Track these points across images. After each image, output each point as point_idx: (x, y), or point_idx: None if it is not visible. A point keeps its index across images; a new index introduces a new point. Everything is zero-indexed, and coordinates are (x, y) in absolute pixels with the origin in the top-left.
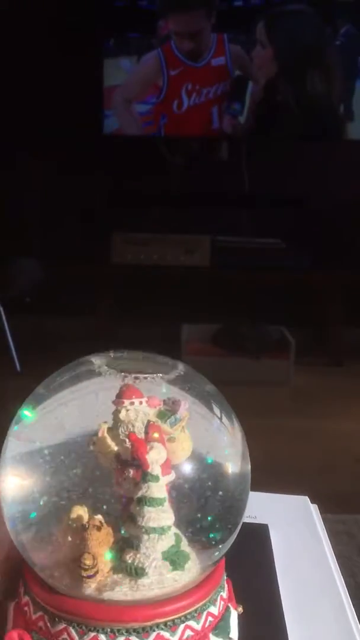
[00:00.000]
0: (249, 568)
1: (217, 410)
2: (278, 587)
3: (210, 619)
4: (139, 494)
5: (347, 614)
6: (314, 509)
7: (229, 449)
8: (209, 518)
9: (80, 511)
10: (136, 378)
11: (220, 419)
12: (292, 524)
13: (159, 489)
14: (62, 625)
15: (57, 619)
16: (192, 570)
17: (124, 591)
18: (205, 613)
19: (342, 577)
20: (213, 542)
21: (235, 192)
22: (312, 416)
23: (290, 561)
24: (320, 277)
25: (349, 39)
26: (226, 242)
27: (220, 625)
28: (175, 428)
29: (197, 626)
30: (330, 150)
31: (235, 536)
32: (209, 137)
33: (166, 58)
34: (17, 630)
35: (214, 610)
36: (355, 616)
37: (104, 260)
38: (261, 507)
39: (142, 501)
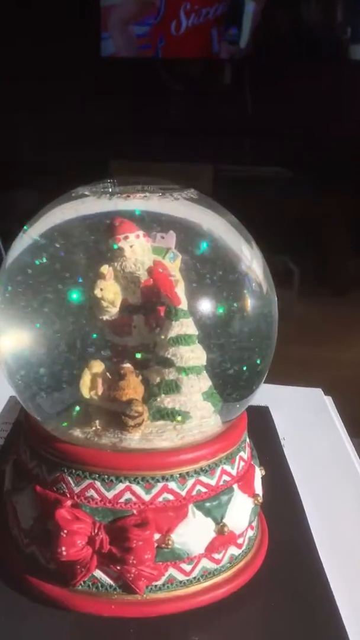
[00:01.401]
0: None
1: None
2: (288, 465)
3: (242, 463)
4: (172, 333)
5: None
6: (328, 400)
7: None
8: (236, 356)
9: (99, 365)
10: (145, 196)
11: (247, 243)
12: (306, 413)
13: (191, 326)
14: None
15: (114, 477)
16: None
17: (169, 437)
18: (237, 457)
19: None
20: (242, 383)
21: (237, 119)
22: (316, 345)
23: (305, 447)
24: (325, 206)
25: None
26: (229, 170)
27: (248, 476)
28: (176, 264)
29: (232, 470)
30: (335, 74)
31: (263, 380)
32: (209, 60)
33: None
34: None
35: (245, 455)
36: None
37: None
38: (272, 398)
39: (178, 341)
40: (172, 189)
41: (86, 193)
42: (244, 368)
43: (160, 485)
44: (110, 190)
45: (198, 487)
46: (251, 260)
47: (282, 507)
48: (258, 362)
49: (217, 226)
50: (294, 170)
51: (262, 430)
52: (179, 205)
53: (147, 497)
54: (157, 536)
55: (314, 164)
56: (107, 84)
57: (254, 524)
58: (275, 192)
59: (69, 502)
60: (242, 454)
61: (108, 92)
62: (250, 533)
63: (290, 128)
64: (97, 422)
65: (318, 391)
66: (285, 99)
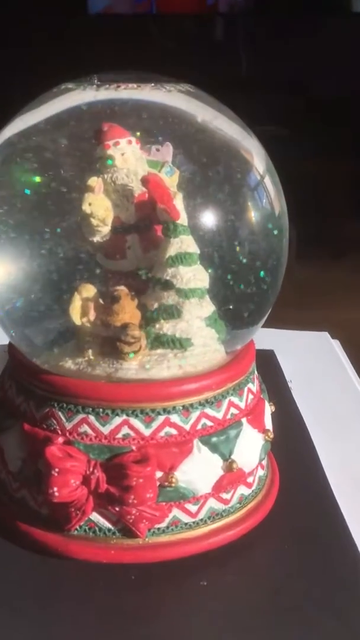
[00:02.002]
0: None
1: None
2: (297, 406)
3: (250, 396)
4: (172, 252)
5: None
6: (335, 343)
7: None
8: (243, 274)
9: (90, 288)
10: (138, 86)
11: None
12: (313, 356)
13: (192, 243)
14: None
15: (109, 410)
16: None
17: (169, 366)
18: (246, 389)
19: None
20: (249, 306)
21: (233, 75)
22: (316, 308)
23: (311, 388)
24: (322, 165)
25: None
26: None
27: (258, 410)
28: (173, 179)
29: (241, 403)
30: (334, 29)
31: (272, 304)
32: (204, 15)
33: None
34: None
35: (253, 387)
36: None
37: None
38: (277, 342)
39: (178, 260)
40: (166, 80)
41: (70, 86)
42: (252, 288)
43: (161, 418)
44: (96, 82)
45: (203, 420)
46: (258, 164)
47: (292, 447)
48: (266, 279)
49: (216, 121)
50: (291, 128)
51: (267, 373)
52: (173, 98)
53: (147, 432)
54: (159, 474)
55: (311, 122)
56: (97, 40)
57: (264, 462)
58: (271, 151)
59: (60, 439)
60: (250, 385)
61: (97, 49)
62: (260, 472)
63: (288, 84)
64: (89, 351)
65: (324, 334)
66: (283, 55)
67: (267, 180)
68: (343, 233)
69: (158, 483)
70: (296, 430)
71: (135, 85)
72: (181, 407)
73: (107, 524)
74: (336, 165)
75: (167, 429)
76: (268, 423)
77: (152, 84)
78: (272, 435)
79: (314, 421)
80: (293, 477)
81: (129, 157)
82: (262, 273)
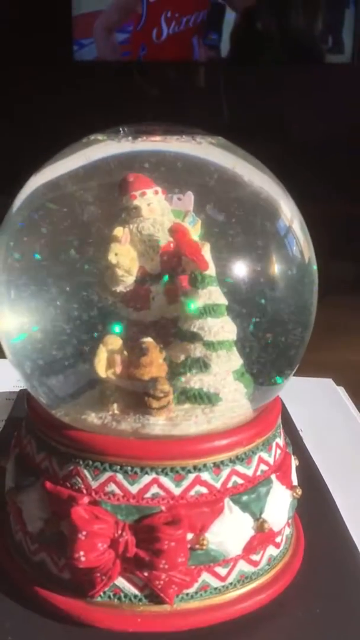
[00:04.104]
0: None
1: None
2: (312, 457)
3: (278, 450)
4: (199, 303)
5: None
6: (340, 390)
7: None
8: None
9: (116, 340)
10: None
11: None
12: (320, 404)
13: (220, 294)
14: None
15: (138, 468)
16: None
17: (197, 422)
18: (274, 444)
19: None
20: (279, 361)
21: (213, 121)
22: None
23: (321, 437)
24: (302, 209)
25: None
26: None
27: (285, 465)
28: (196, 228)
29: (270, 459)
30: (314, 78)
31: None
32: (188, 64)
33: None
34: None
35: (280, 442)
36: None
37: None
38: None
39: (206, 312)
40: (196, 132)
41: (99, 137)
42: (282, 343)
43: (192, 476)
44: (123, 133)
45: (234, 477)
46: (291, 218)
47: (312, 501)
48: (298, 335)
49: (245, 172)
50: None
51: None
52: (204, 150)
53: (177, 491)
54: (189, 536)
55: (291, 166)
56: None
57: (290, 520)
58: None
59: (86, 499)
60: (278, 440)
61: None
62: (287, 531)
63: (268, 129)
64: (114, 405)
65: (329, 381)
66: (264, 103)
67: (302, 241)
68: (324, 273)
69: (189, 545)
70: (314, 482)
71: (163, 138)
72: (212, 465)
73: (134, 590)
74: (316, 207)
75: (198, 488)
76: (294, 479)
77: (182, 136)
78: (300, 492)
79: (329, 471)
80: (316, 534)
81: (155, 207)
82: (298, 333)
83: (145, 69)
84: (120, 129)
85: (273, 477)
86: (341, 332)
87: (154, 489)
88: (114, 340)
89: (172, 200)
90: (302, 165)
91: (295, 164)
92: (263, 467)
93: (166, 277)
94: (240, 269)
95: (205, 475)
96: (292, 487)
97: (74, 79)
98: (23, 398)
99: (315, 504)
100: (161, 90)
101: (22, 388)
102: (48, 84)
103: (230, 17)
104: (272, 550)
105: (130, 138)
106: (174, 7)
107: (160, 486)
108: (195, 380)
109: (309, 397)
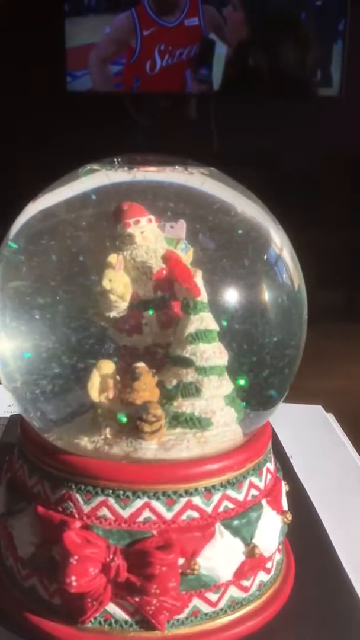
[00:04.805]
0: None
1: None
2: (301, 482)
3: (269, 475)
4: (191, 329)
5: None
6: (330, 417)
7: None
8: (264, 355)
9: (110, 365)
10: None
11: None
12: (309, 430)
13: (212, 320)
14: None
15: (130, 493)
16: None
17: (188, 446)
18: (265, 469)
19: None
20: (266, 388)
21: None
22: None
23: (312, 464)
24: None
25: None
26: None
27: (276, 490)
28: (188, 256)
29: (260, 484)
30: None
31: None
32: (181, 96)
33: (139, 17)
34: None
35: (271, 466)
36: None
37: None
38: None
39: (198, 337)
40: (188, 163)
41: (95, 167)
42: (273, 368)
43: (183, 500)
44: (118, 163)
45: (225, 502)
46: (281, 247)
47: (302, 527)
48: (289, 360)
49: (235, 201)
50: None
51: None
52: (196, 180)
53: (168, 515)
54: (181, 561)
55: (280, 194)
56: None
57: (281, 546)
58: None
59: (77, 524)
60: (268, 465)
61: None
62: (277, 556)
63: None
64: (107, 429)
65: (318, 408)
66: (254, 134)
67: (292, 269)
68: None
69: (180, 570)
70: (304, 507)
71: (156, 168)
72: (203, 489)
73: (124, 616)
74: (304, 236)
75: (189, 512)
76: (285, 504)
77: (176, 167)
78: (290, 518)
79: (319, 498)
80: (307, 560)
81: (148, 235)
82: (288, 358)
83: (138, 100)
84: (115, 159)
85: (264, 502)
86: (329, 359)
87: (146, 513)
88: (107, 365)
89: (165, 228)
90: (290, 195)
91: (283, 194)
92: (254, 491)
93: (159, 303)
94: (231, 296)
95: (197, 500)
96: (282, 512)
97: (67, 110)
98: (14, 423)
99: (305, 530)
100: (153, 120)
101: (13, 413)
102: (42, 114)
103: (221, 51)
104: (262, 576)
105: (125, 168)
106: (167, 41)
107: (152, 510)
108: (187, 405)
109: (299, 424)
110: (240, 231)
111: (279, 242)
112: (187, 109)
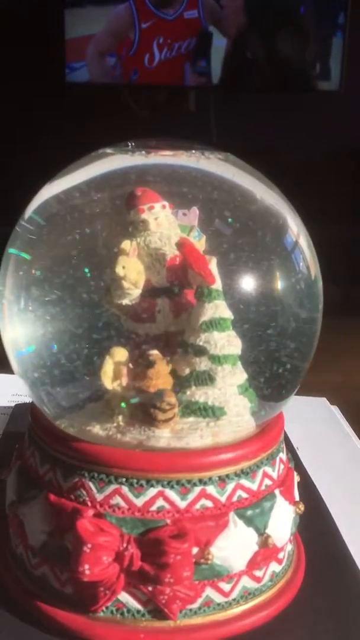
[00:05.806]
0: None
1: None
2: (309, 474)
3: (282, 465)
4: (206, 317)
5: None
6: (335, 409)
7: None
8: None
9: (123, 352)
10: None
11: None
12: (314, 422)
13: (226, 308)
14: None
15: (144, 481)
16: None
17: (201, 435)
18: (278, 459)
19: None
20: (280, 378)
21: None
22: None
23: (318, 455)
24: None
25: None
26: None
27: (288, 480)
28: (201, 243)
29: (274, 473)
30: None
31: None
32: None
33: (137, 9)
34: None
35: (284, 457)
36: None
37: None
38: None
39: (212, 325)
40: (204, 148)
41: (109, 151)
42: (287, 359)
43: (197, 489)
44: (134, 148)
45: (239, 492)
46: (298, 234)
47: (311, 517)
48: (303, 350)
49: (253, 187)
50: None
51: None
52: (212, 165)
53: (182, 504)
54: (194, 550)
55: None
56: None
57: (292, 537)
58: None
59: (90, 512)
60: (281, 455)
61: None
62: (289, 547)
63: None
64: (119, 417)
65: (323, 400)
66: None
67: (309, 257)
68: None
69: (194, 560)
70: (312, 498)
71: (172, 152)
72: (217, 478)
73: (137, 605)
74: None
75: (203, 501)
76: (296, 495)
77: (192, 151)
78: (302, 508)
79: (325, 489)
80: (317, 551)
81: (162, 221)
82: (303, 348)
83: (136, 92)
84: (129, 143)
85: (277, 492)
86: (331, 353)
87: (160, 502)
88: (120, 352)
89: (178, 215)
90: (289, 188)
91: (281, 188)
92: (267, 481)
93: (173, 291)
94: (247, 284)
95: (211, 489)
96: (295, 503)
97: (66, 101)
98: (20, 411)
99: (314, 521)
100: (152, 113)
101: (18, 402)
102: (41, 105)
103: (220, 44)
104: (274, 567)
105: (143, 152)
106: (166, 34)
107: (166, 499)
108: (200, 394)
109: (304, 416)
110: (255, 217)
111: (296, 230)
112: (186, 102)
